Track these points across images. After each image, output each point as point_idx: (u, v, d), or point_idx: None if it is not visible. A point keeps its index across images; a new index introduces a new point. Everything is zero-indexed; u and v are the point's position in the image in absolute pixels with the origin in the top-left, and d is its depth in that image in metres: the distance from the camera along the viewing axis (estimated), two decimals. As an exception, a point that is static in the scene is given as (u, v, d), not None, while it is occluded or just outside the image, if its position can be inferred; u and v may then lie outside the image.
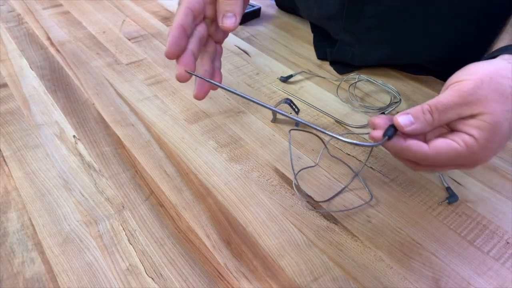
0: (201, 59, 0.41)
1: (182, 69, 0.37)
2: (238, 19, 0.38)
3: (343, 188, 0.45)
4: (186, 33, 0.37)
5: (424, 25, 0.59)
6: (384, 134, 0.34)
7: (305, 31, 0.77)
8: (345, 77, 0.64)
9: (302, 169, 0.47)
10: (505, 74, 0.34)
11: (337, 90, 0.61)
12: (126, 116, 0.55)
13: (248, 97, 0.36)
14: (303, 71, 0.65)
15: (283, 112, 0.37)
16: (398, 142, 0.34)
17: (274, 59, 0.69)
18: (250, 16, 0.81)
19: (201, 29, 0.39)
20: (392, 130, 0.34)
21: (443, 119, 0.34)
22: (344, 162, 0.49)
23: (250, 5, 0.82)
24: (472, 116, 0.33)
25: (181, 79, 0.37)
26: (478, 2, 0.55)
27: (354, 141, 0.34)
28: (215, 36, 0.42)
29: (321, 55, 0.69)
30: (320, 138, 0.49)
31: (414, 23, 0.59)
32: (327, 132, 0.34)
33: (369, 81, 0.63)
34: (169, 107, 0.57)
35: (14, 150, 0.49)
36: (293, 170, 0.47)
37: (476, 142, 0.33)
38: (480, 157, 0.34)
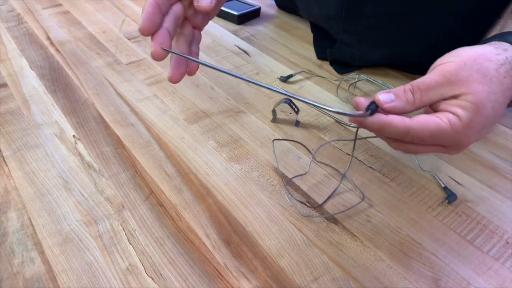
0: (177, 41, 0.41)
1: (157, 46, 0.36)
2: (214, 0, 0.38)
3: (334, 191, 0.45)
4: (161, 11, 0.37)
5: (423, 25, 0.59)
6: (367, 109, 0.33)
7: (305, 31, 0.77)
8: (345, 77, 0.64)
9: (293, 177, 0.47)
10: (490, 57, 0.34)
11: (337, 90, 0.61)
12: (126, 116, 0.55)
13: (232, 73, 0.36)
14: (303, 71, 0.65)
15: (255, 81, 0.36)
16: (379, 117, 0.33)
17: (274, 59, 0.69)
18: (250, 16, 0.81)
19: (176, 9, 0.39)
20: (374, 106, 0.34)
21: (425, 99, 0.34)
22: (331, 166, 0.49)
23: (250, 4, 0.82)
24: (454, 97, 0.33)
25: (157, 57, 0.37)
26: (478, 2, 0.55)
27: (340, 110, 0.34)
28: (193, 20, 0.42)
29: (321, 55, 0.69)
30: (306, 147, 0.49)
31: (414, 23, 0.59)
32: (314, 102, 0.34)
33: (369, 81, 0.63)
34: (169, 107, 0.57)
35: (14, 150, 0.49)
36: (283, 181, 0.47)
37: (460, 121, 0.32)
38: (463, 137, 0.34)
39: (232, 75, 0.36)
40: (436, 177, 0.47)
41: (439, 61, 0.35)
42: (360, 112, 0.34)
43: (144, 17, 0.36)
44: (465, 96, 0.33)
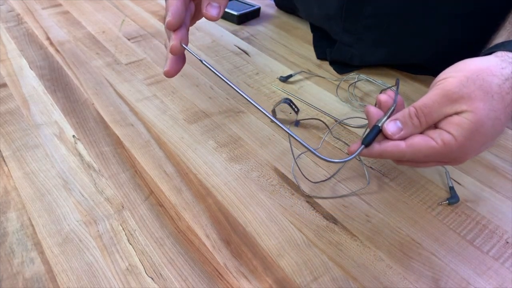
0: None
1: (178, 41, 0.37)
2: (222, 12, 0.39)
3: (340, 168, 0.46)
4: (186, 7, 0.37)
5: (423, 25, 0.59)
6: (362, 143, 0.35)
7: (305, 31, 0.77)
8: (344, 77, 0.64)
9: (302, 153, 0.48)
10: (494, 71, 0.33)
11: (336, 90, 0.61)
12: (125, 116, 0.55)
13: (244, 94, 0.37)
14: (303, 71, 0.65)
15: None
16: (373, 149, 0.35)
17: (274, 59, 0.69)
18: (250, 16, 0.81)
19: (192, 7, 0.40)
20: (372, 136, 0.35)
21: (429, 120, 0.34)
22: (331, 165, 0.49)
23: (250, 4, 0.82)
24: (456, 113, 0.33)
25: (176, 52, 0.37)
26: (478, 1, 0.55)
27: (329, 159, 0.35)
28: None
29: (320, 55, 0.69)
30: (324, 123, 0.50)
31: (414, 23, 0.59)
32: (305, 144, 0.35)
33: (368, 81, 0.63)
34: (168, 107, 0.57)
35: (14, 150, 0.49)
36: (292, 155, 0.47)
37: (454, 140, 0.32)
38: (459, 154, 0.34)
39: (243, 96, 0.37)
40: (447, 175, 0.47)
41: (442, 75, 0.35)
42: (353, 155, 0.35)
43: (173, 11, 0.36)
44: (466, 114, 0.32)
